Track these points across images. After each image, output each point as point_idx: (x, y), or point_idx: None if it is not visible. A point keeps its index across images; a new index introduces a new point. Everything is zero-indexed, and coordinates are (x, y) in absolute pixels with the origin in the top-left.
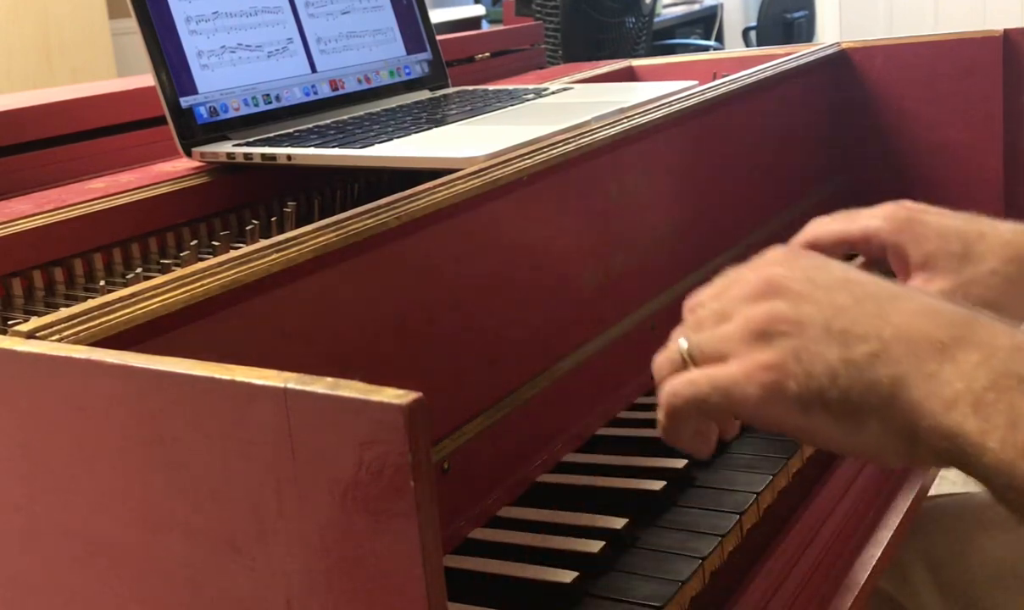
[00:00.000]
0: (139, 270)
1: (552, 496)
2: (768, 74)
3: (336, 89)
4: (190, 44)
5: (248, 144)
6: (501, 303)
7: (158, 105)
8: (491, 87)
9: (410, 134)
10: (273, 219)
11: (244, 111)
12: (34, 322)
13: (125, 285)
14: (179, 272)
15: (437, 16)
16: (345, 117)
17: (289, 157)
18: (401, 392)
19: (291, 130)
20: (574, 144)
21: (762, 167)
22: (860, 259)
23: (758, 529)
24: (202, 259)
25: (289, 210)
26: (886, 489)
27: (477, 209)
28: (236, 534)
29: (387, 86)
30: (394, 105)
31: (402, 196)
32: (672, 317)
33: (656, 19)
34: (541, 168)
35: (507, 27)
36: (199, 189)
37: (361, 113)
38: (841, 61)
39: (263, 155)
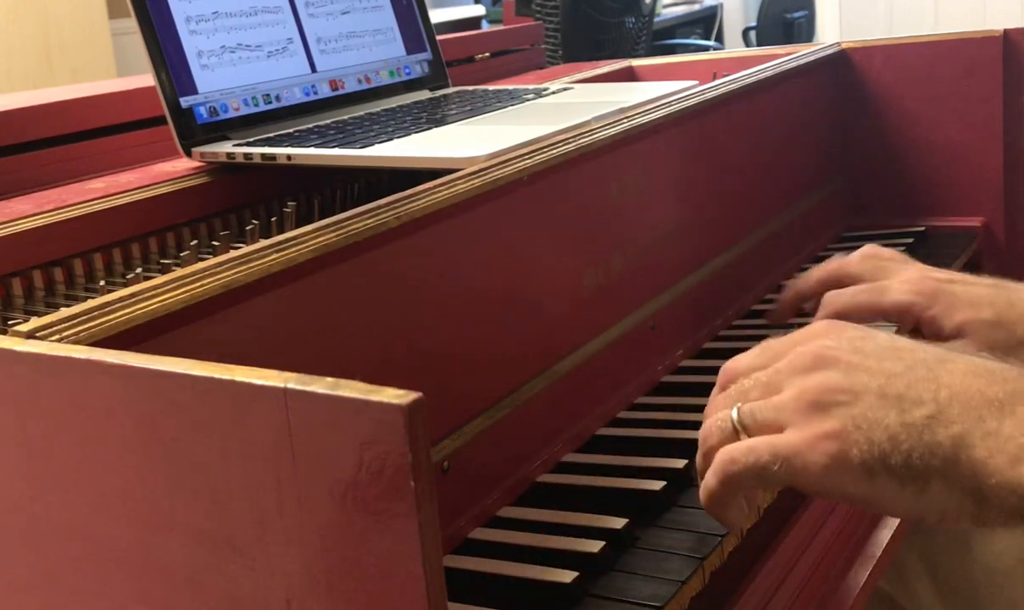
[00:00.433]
0: (139, 270)
1: (552, 496)
2: (768, 74)
3: (336, 89)
4: (190, 44)
5: (248, 144)
6: (501, 303)
7: (158, 105)
8: (491, 87)
9: (410, 134)
10: (273, 219)
11: (244, 111)
12: (34, 322)
13: (125, 285)
14: (179, 272)
15: (437, 16)
16: (345, 117)
17: (289, 157)
18: (401, 392)
19: (291, 130)
20: (574, 144)
21: (762, 167)
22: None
23: (758, 529)
24: (202, 259)
25: (289, 210)
26: None
27: (477, 209)
28: (236, 534)
29: (387, 86)
30: (394, 105)
31: (402, 196)
32: (672, 317)
33: (656, 19)
34: (541, 168)
35: (507, 27)
36: (199, 189)
37: (361, 113)
38: (841, 61)
39: (263, 155)
